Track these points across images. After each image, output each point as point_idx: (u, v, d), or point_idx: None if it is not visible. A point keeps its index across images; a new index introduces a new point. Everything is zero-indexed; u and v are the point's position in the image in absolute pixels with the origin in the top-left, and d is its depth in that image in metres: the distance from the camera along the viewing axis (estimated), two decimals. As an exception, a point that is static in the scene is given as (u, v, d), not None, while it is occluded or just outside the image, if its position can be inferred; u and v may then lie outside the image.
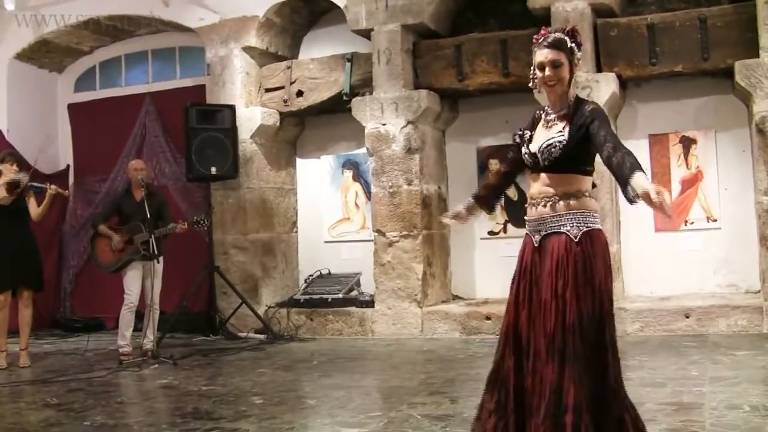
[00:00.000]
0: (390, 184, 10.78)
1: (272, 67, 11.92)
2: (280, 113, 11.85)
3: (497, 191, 5.05)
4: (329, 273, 11.80)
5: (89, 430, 6.33)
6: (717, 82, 10.16)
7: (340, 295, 11.22)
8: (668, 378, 7.16)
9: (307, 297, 11.41)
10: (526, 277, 4.47)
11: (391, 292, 10.73)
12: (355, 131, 11.23)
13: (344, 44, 11.60)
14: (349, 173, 12.08)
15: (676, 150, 10.46)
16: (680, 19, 9.81)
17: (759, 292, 9.70)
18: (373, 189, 10.97)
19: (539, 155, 4.42)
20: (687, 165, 10.42)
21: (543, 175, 4.45)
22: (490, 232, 11.18)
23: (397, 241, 10.71)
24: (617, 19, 10.10)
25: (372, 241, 11.01)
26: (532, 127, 4.61)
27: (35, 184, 9.65)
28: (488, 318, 10.11)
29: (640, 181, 3.91)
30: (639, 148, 10.44)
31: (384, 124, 10.78)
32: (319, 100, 11.49)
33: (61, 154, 14.15)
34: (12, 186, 9.47)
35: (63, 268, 13.71)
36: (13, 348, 9.78)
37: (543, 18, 9.99)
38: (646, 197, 3.83)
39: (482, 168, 11.20)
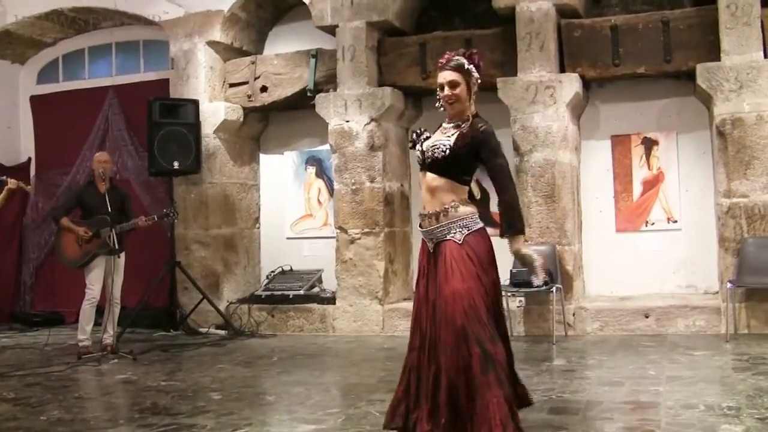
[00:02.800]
0: (353, 181, 10.78)
1: (236, 62, 11.89)
2: (244, 108, 11.82)
3: None
4: (291, 269, 11.77)
5: (46, 425, 6.29)
6: (679, 84, 10.23)
7: (302, 292, 11.21)
8: (626, 377, 7.22)
9: (269, 293, 11.39)
10: (424, 277, 5.07)
11: (353, 289, 10.73)
12: (318, 128, 11.22)
13: (309, 40, 11.58)
14: (312, 169, 12.07)
15: (638, 151, 10.52)
16: (643, 21, 9.88)
17: (717, 293, 9.79)
18: (336, 186, 10.96)
19: (426, 153, 5.03)
20: (648, 166, 10.49)
21: (428, 176, 5.04)
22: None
23: (359, 239, 10.71)
24: (581, 20, 10.15)
25: (334, 238, 11.01)
26: (432, 134, 5.15)
27: None
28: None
29: (517, 246, 4.89)
30: (601, 149, 10.55)
31: (347, 121, 10.78)
32: (283, 95, 11.47)
33: (23, 146, 14.03)
34: None
35: (23, 261, 13.60)
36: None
37: (507, 18, 10.05)
38: (520, 258, 4.93)
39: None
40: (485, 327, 4.72)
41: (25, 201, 13.46)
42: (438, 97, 5.08)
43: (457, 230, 4.90)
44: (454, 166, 4.93)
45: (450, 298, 4.77)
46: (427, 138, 5.10)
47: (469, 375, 4.65)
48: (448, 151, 4.90)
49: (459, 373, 4.68)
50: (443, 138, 4.98)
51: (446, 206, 4.93)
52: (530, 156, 9.88)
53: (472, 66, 5.03)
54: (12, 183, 9.49)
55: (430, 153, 4.98)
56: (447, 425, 4.70)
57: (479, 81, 5.09)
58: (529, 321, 9.79)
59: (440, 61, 5.09)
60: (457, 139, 4.91)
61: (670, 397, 6.30)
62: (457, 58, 5.03)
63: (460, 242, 4.88)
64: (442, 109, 5.07)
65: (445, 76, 5.02)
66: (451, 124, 5.04)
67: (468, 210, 4.96)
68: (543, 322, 9.76)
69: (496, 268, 5.00)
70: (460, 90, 4.99)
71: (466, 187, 5.02)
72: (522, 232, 4.92)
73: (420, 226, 5.11)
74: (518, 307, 9.84)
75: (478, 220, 4.98)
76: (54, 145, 13.62)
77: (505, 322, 5.07)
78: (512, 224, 4.89)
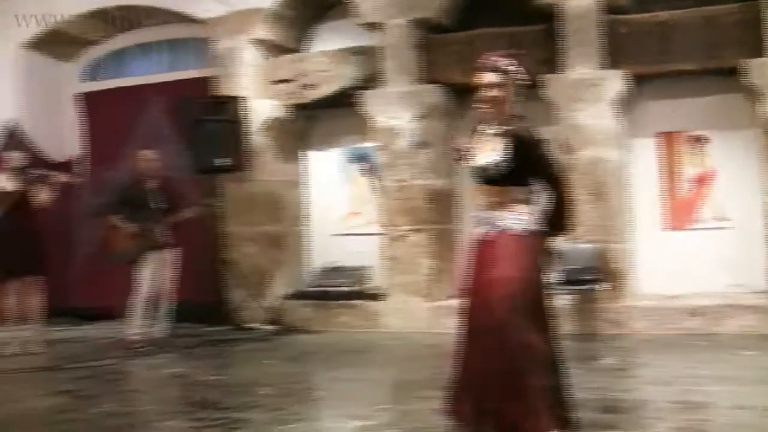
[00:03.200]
0: (399, 178, 10.78)
1: (280, 60, 11.92)
2: (288, 106, 11.85)
3: None
4: (338, 266, 11.80)
5: (99, 416, 6.37)
6: (726, 81, 10.09)
7: (349, 289, 11.23)
8: (676, 376, 7.19)
9: (316, 289, 11.43)
10: (475, 268, 5.02)
11: (400, 286, 10.73)
12: (364, 125, 11.21)
13: (353, 38, 11.57)
14: (357, 167, 12.08)
15: (684, 149, 10.44)
16: (690, 17, 9.79)
17: (766, 292, 9.70)
18: (382, 183, 10.97)
19: (483, 172, 4.96)
20: (696, 164, 10.41)
21: (488, 189, 4.99)
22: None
23: (406, 236, 10.71)
24: (627, 17, 10.08)
25: (381, 235, 11.02)
26: (473, 142, 5.07)
27: (40, 172, 9.69)
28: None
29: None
30: (648, 146, 10.47)
31: (393, 119, 10.78)
32: (328, 93, 11.47)
33: (69, 143, 14.16)
34: (18, 172, 9.55)
35: (73, 256, 13.71)
36: (23, 334, 9.82)
37: (553, 14, 10.00)
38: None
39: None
40: (524, 318, 4.71)
41: (72, 197, 13.56)
42: (477, 99, 5.00)
43: (514, 222, 4.87)
44: (511, 177, 4.88)
45: (493, 286, 4.77)
46: (475, 151, 5.01)
47: (511, 363, 4.68)
48: (503, 170, 4.85)
49: (501, 362, 4.71)
50: (493, 154, 4.90)
51: (506, 202, 4.91)
52: (577, 154, 9.83)
53: (512, 67, 4.95)
54: (57, 176, 9.62)
55: (485, 171, 4.92)
56: (489, 413, 4.73)
57: (521, 82, 4.99)
58: (577, 319, 9.73)
59: (479, 62, 5.02)
60: (506, 153, 4.85)
61: (722, 398, 6.26)
62: (498, 59, 4.96)
63: (515, 233, 4.86)
64: (481, 111, 5.00)
65: (485, 77, 4.94)
66: (493, 131, 4.95)
67: (526, 208, 4.92)
68: (592, 321, 9.69)
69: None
70: (501, 92, 4.90)
71: (527, 187, 4.97)
72: (559, 232, 4.98)
73: (474, 220, 5.11)
74: (567, 305, 9.80)
75: (535, 219, 4.93)
76: (99, 142, 13.72)
77: (550, 321, 4.95)
78: (553, 223, 4.94)
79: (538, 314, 4.83)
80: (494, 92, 4.90)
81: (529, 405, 4.60)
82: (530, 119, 4.98)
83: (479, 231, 5.04)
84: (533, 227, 4.89)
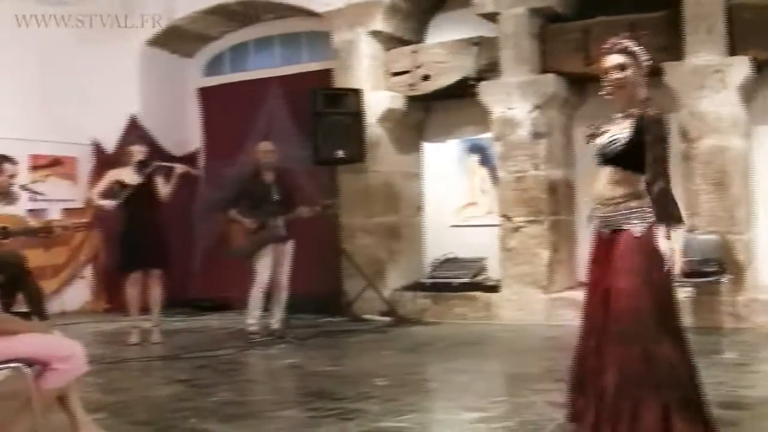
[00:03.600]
0: (516, 169, 10.69)
1: (398, 52, 11.93)
2: (407, 97, 11.85)
3: None
4: (455, 257, 11.76)
5: (216, 405, 6.47)
6: None
7: (466, 280, 11.17)
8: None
9: (433, 281, 11.40)
10: (597, 265, 4.92)
11: (517, 277, 10.65)
12: (481, 116, 11.15)
13: (470, 28, 11.49)
14: (475, 158, 12.01)
15: (815, 134, 10.11)
16: (818, 1, 9.49)
17: None
18: (500, 174, 10.89)
19: (603, 149, 4.83)
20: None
21: (606, 170, 4.84)
22: (618, 219, 10.95)
23: (524, 227, 10.62)
24: (751, 1, 9.79)
25: (498, 226, 10.94)
26: (604, 125, 4.96)
27: (163, 164, 9.88)
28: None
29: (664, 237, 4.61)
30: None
31: (510, 109, 10.70)
32: (446, 84, 11.44)
33: (191, 137, 14.44)
34: (141, 166, 9.76)
35: (193, 248, 13.97)
36: (144, 325, 10.05)
37: (674, 0, 9.77)
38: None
39: (610, 154, 11.00)
40: (649, 328, 4.57)
41: (193, 190, 13.82)
42: (603, 83, 4.86)
43: (635, 221, 4.70)
44: (632, 158, 4.72)
45: (618, 295, 4.64)
46: (604, 132, 4.89)
47: (627, 374, 4.54)
48: (625, 145, 4.71)
49: (618, 371, 4.57)
50: (618, 132, 4.78)
51: (625, 196, 4.75)
52: (699, 143, 9.60)
53: (639, 48, 4.83)
54: (180, 168, 9.80)
55: (607, 148, 4.79)
56: (606, 421, 4.58)
57: (648, 64, 4.87)
58: (698, 312, 9.49)
59: (605, 45, 4.90)
60: (632, 131, 4.71)
61: None
62: (623, 41, 4.84)
63: (638, 234, 4.69)
64: (608, 96, 4.87)
65: (612, 59, 4.81)
66: (622, 114, 4.84)
67: (644, 202, 4.71)
68: (712, 314, 9.46)
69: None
70: (628, 73, 4.77)
71: (642, 176, 4.76)
72: (664, 223, 4.68)
73: (594, 214, 4.98)
74: (686, 297, 9.59)
75: (651, 212, 4.71)
76: (220, 136, 13.96)
77: (679, 321, 4.80)
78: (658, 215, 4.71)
79: (666, 320, 4.66)
80: (622, 74, 4.77)
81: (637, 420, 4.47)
82: (656, 103, 4.85)
83: (600, 230, 4.92)
84: (654, 222, 4.68)
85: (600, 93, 4.92)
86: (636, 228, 4.69)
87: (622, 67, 4.78)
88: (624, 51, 4.81)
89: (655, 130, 4.69)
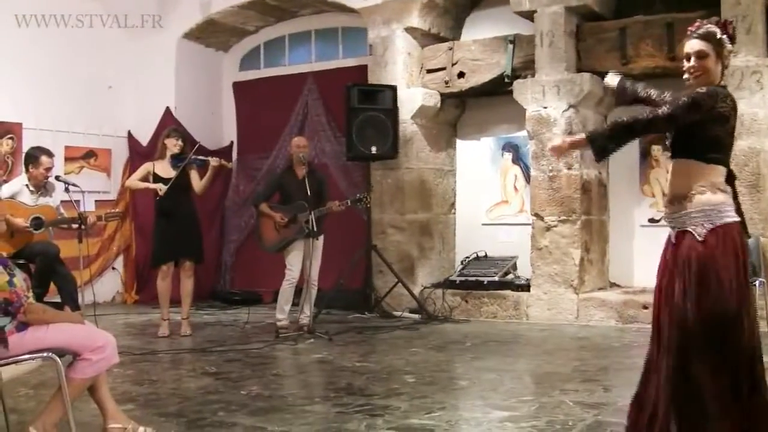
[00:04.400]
0: (550, 168, 10.66)
1: (434, 48, 11.91)
2: (441, 94, 11.84)
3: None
4: (486, 255, 11.73)
5: (245, 399, 6.48)
6: None
7: (496, 278, 11.15)
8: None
9: (463, 279, 11.38)
10: (665, 271, 4.53)
11: (548, 276, 10.62)
12: (515, 114, 11.13)
13: (506, 26, 11.48)
14: (508, 156, 11.99)
15: None
16: None
17: None
18: (533, 172, 10.85)
19: (667, 139, 4.56)
20: None
21: (672, 162, 4.54)
22: (651, 220, 10.90)
23: (555, 226, 10.58)
24: (793, 2, 9.71)
25: (530, 224, 10.91)
26: None
27: (198, 157, 9.91)
28: (645, 307, 9.79)
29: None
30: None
31: (545, 108, 10.66)
32: (481, 81, 11.42)
33: (225, 130, 14.50)
34: (176, 159, 9.81)
35: (224, 242, 14.05)
36: (174, 317, 10.12)
37: (712, 0, 9.70)
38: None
39: (644, 154, 10.95)
40: (703, 354, 4.27)
41: (226, 184, 13.89)
42: (683, 69, 4.55)
43: (699, 223, 4.34)
44: (693, 142, 4.40)
45: (673, 314, 4.36)
46: None
47: (678, 400, 4.30)
48: (677, 130, 4.45)
49: (670, 393, 4.33)
50: None
51: (692, 190, 4.39)
52: (736, 143, 9.51)
53: (725, 36, 4.47)
54: (214, 161, 9.83)
55: (668, 138, 4.53)
56: None
57: (732, 53, 4.60)
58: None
59: (689, 28, 4.56)
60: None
61: None
62: (708, 25, 4.49)
63: (701, 239, 4.32)
64: (687, 84, 4.55)
65: (692, 45, 4.48)
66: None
67: (715, 199, 4.35)
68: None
69: (744, 268, 4.37)
70: (708, 61, 4.45)
71: (718, 167, 4.42)
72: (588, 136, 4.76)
73: (664, 211, 4.66)
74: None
75: (727, 211, 4.37)
76: (255, 130, 14.02)
77: (737, 346, 4.33)
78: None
79: (712, 341, 4.29)
80: (698, 62, 4.47)
81: None
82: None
83: (670, 230, 4.58)
84: (720, 221, 4.35)
85: (683, 78, 4.58)
86: (698, 230, 4.34)
87: (702, 55, 4.47)
88: (706, 37, 4.48)
89: (688, 95, 4.41)
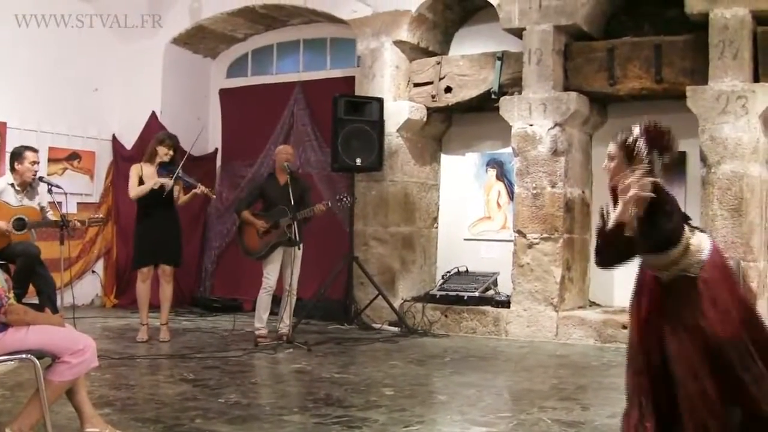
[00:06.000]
0: (534, 185, 10.68)
1: (422, 62, 11.94)
2: (428, 108, 11.86)
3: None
4: (467, 270, 11.73)
5: (223, 407, 6.48)
6: None
7: (477, 294, 11.14)
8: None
9: (444, 293, 11.38)
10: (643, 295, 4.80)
11: (528, 294, 10.63)
12: (501, 130, 11.15)
13: (495, 42, 11.51)
14: (492, 172, 12.01)
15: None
16: None
17: None
18: (517, 189, 10.87)
19: None
20: None
21: None
22: (633, 240, 10.91)
23: (538, 243, 10.60)
24: (778, 28, 9.76)
25: (512, 241, 10.92)
26: None
27: (187, 178, 9.90)
28: (624, 327, 9.78)
29: None
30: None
31: (531, 125, 10.68)
32: (467, 97, 11.44)
33: (211, 137, 14.48)
34: (164, 167, 9.80)
35: (206, 248, 14.03)
36: (153, 322, 10.09)
37: (700, 24, 9.74)
38: None
39: (628, 174, 10.98)
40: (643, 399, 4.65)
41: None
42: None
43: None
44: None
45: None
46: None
47: None
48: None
49: None
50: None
51: None
52: (717, 168, 9.55)
53: (641, 144, 4.61)
54: (200, 189, 9.81)
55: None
56: None
57: (655, 160, 4.62)
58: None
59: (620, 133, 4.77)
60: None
61: None
62: (626, 134, 4.70)
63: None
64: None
65: (609, 148, 4.79)
66: None
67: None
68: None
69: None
70: (614, 165, 4.72)
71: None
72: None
73: None
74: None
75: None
76: (240, 138, 14.02)
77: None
78: None
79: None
80: (609, 164, 4.77)
81: None
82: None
83: None
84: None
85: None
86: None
87: (609, 157, 4.78)
88: (621, 145, 4.72)
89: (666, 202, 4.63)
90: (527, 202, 10.71)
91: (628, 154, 4.65)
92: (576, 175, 10.83)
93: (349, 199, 10.43)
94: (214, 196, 11.22)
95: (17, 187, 9.49)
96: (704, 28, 9.68)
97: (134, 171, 9.98)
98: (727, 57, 9.58)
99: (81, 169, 13.28)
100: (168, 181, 9.71)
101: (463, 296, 11.16)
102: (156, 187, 9.69)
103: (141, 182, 9.82)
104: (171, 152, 9.91)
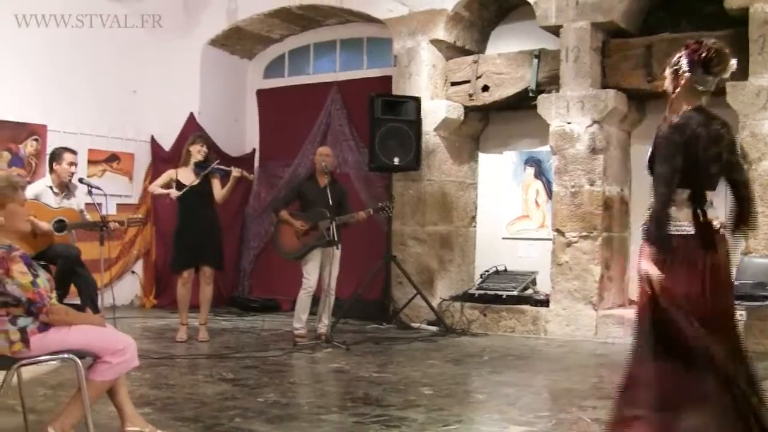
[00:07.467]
0: (572, 183, 10.63)
1: (459, 61, 11.92)
2: (465, 107, 11.83)
3: None
4: (505, 270, 11.69)
5: (262, 406, 6.49)
6: None
7: (515, 293, 11.11)
8: None
9: (482, 292, 11.35)
10: None
11: (567, 292, 10.59)
12: (539, 128, 11.11)
13: (532, 40, 11.48)
14: (530, 170, 11.96)
15: None
16: None
17: None
18: (555, 188, 10.83)
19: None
20: None
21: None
22: (672, 238, 10.84)
23: (576, 242, 10.56)
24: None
25: (550, 240, 10.89)
26: None
27: (220, 167, 9.94)
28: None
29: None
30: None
31: (569, 123, 10.64)
32: (505, 95, 11.41)
33: (248, 138, 14.54)
34: (199, 166, 9.86)
35: (244, 249, 14.08)
36: (192, 322, 10.13)
37: (739, 19, 9.65)
38: None
39: (667, 172, 10.90)
40: (637, 340, 4.81)
41: (248, 191, 13.90)
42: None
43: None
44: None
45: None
46: None
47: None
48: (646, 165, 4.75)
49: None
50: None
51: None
52: (758, 164, 9.46)
53: (683, 61, 4.76)
54: (236, 171, 9.85)
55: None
56: None
57: (687, 74, 4.76)
58: (750, 337, 9.35)
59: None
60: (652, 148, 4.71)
61: None
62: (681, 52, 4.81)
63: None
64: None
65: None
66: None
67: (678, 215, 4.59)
68: (764, 339, 9.34)
69: (700, 279, 4.60)
70: (665, 83, 4.87)
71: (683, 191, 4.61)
72: (652, 243, 4.58)
73: None
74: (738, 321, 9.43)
75: (681, 226, 4.57)
76: (277, 138, 14.05)
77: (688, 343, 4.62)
78: (646, 234, 4.61)
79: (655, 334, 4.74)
80: (661, 82, 4.87)
81: None
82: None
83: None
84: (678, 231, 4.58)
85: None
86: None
87: (662, 79, 4.95)
88: (670, 63, 4.87)
89: (656, 148, 4.66)
90: (566, 200, 10.66)
91: (673, 73, 4.79)
92: (614, 173, 10.77)
93: (390, 207, 10.42)
94: (252, 176, 11.22)
95: (55, 189, 9.56)
96: (744, 23, 9.59)
97: (166, 174, 10.09)
98: (767, 52, 9.49)
99: (120, 171, 13.37)
100: (175, 192, 9.77)
101: (502, 295, 11.12)
102: (167, 201, 9.77)
103: (172, 185, 9.88)
104: (204, 149, 9.96)
